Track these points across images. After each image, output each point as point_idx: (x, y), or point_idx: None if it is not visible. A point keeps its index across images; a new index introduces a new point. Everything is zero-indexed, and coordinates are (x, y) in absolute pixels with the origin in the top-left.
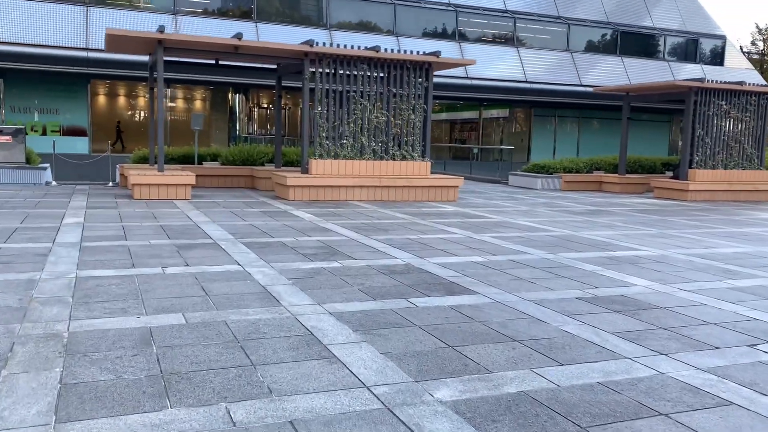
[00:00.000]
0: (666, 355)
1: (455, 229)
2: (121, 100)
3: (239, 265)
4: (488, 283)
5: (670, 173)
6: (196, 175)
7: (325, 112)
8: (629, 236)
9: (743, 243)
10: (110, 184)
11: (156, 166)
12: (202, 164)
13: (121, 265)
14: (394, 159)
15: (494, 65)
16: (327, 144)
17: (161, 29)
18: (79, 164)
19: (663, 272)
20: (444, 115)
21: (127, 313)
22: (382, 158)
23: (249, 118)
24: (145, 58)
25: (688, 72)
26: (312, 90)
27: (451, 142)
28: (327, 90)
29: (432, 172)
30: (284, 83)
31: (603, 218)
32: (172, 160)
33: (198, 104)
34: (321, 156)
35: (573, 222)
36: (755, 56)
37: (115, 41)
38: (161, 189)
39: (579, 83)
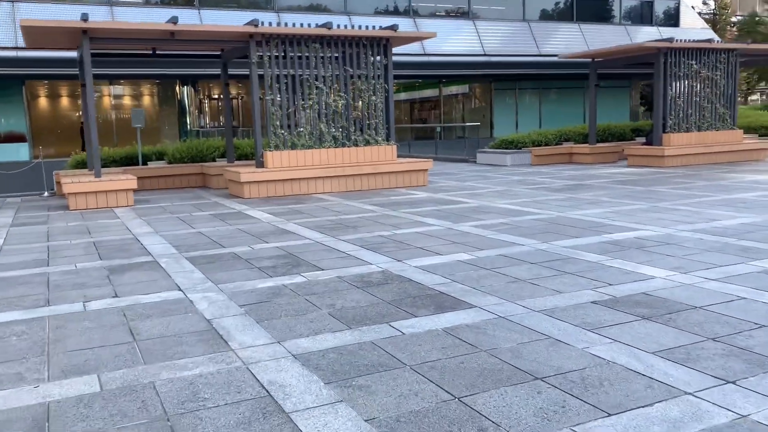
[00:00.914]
0: (734, 383)
1: (431, 219)
2: (66, 101)
3: (180, 290)
4: (484, 291)
5: (642, 139)
6: (141, 177)
7: (278, 98)
8: (621, 213)
9: (745, 212)
10: (45, 194)
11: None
12: (147, 164)
13: (32, 303)
14: (356, 145)
15: (451, 40)
16: (282, 133)
17: (84, 17)
18: (12, 174)
19: (677, 257)
20: (403, 95)
21: (23, 381)
22: (344, 145)
23: (200, 111)
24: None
25: (644, 35)
26: (261, 76)
27: (412, 123)
28: (278, 75)
29: (398, 156)
30: (233, 71)
31: (585, 194)
32: (113, 162)
33: (146, 100)
34: (277, 147)
35: (555, 201)
36: (706, 16)
37: (34, 35)
38: (99, 197)
39: (538, 53)
